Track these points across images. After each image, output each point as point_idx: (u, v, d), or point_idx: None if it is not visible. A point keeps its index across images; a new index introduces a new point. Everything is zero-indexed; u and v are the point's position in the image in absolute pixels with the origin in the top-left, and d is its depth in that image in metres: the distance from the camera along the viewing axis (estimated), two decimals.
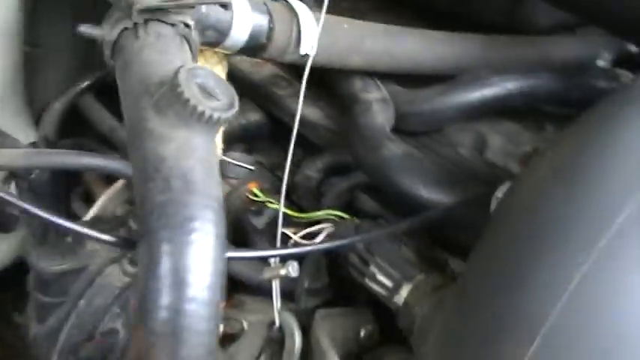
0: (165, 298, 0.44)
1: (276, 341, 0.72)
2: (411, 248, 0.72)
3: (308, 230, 0.77)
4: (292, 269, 0.68)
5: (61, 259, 1.03)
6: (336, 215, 0.82)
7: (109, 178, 1.30)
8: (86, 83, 0.99)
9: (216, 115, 0.48)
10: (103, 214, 1.20)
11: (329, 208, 0.85)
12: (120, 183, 1.22)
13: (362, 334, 0.78)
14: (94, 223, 1.16)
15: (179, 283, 0.44)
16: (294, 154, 1.06)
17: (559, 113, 0.97)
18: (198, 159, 0.47)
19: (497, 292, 0.51)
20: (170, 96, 0.47)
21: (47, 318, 1.06)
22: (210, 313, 0.45)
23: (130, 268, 1.03)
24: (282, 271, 0.68)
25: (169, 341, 0.44)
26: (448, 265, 0.73)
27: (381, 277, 0.69)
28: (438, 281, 0.67)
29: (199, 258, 0.45)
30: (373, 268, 0.70)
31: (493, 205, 0.63)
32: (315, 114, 0.95)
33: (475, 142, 0.92)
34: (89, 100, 1.13)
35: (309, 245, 0.72)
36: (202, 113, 0.47)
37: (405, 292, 0.67)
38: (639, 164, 0.49)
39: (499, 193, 0.62)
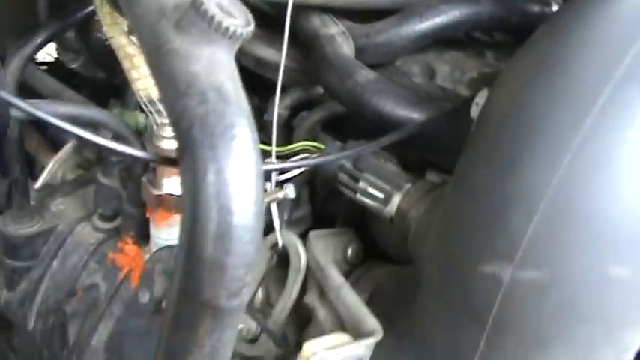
0: (215, 201, 0.47)
1: (279, 263, 0.75)
2: (393, 163, 0.78)
3: (294, 159, 0.80)
4: (290, 191, 0.72)
5: (29, 222, 1.03)
6: (311, 146, 0.87)
7: (54, 146, 1.28)
8: (39, 40, 0.97)
9: (239, 30, 0.50)
10: (52, 180, 1.19)
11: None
12: (68, 148, 1.22)
13: (349, 252, 0.84)
14: (46, 189, 1.15)
15: (227, 185, 0.47)
16: (253, 97, 1.09)
17: (493, 42, 1.04)
18: (226, 73, 0.50)
19: (497, 173, 0.57)
20: (193, 15, 0.50)
21: (19, 283, 1.06)
22: (257, 211, 0.48)
23: (100, 224, 1.04)
24: (280, 194, 0.71)
25: (224, 240, 0.47)
26: (425, 177, 0.79)
27: (372, 191, 0.74)
28: (426, 187, 0.73)
29: (243, 161, 0.48)
30: (363, 184, 0.75)
31: (474, 110, 0.69)
32: (274, 55, 0.98)
33: (425, 71, 0.98)
34: (30, 66, 1.11)
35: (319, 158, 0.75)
36: (227, 29, 0.50)
37: (396, 200, 0.72)
38: (613, 48, 0.56)
39: (478, 99, 0.68)
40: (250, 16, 0.53)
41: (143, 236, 0.98)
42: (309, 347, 0.63)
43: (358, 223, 0.88)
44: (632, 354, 0.63)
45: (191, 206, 0.48)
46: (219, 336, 0.51)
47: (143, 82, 0.78)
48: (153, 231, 0.92)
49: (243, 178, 0.48)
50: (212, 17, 0.49)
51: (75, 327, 0.99)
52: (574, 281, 0.56)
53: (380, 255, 0.89)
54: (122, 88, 1.03)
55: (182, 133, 0.49)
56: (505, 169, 0.57)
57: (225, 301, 0.49)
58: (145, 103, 0.81)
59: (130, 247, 0.99)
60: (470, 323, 0.61)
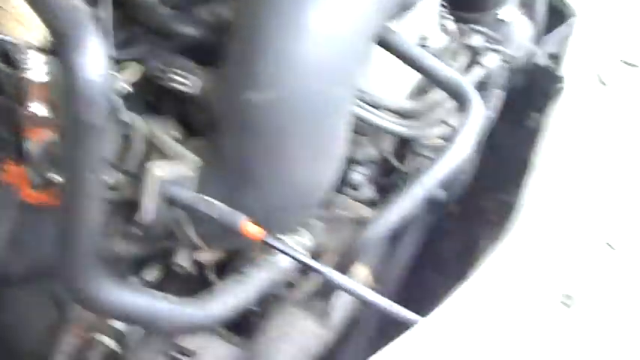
0: (82, 65, 0.86)
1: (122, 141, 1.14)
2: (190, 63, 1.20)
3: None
4: (124, 85, 1.11)
5: None
6: None
7: None
8: None
9: None
10: None
11: None
12: None
13: (173, 132, 1.24)
14: None
15: (89, 57, 0.87)
16: None
17: None
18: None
19: (248, 38, 1.02)
20: None
21: None
22: (105, 72, 0.88)
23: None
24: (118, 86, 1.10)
25: (88, 86, 0.87)
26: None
27: (180, 79, 1.16)
28: (215, 70, 1.16)
29: (96, 42, 0.87)
30: (174, 75, 1.17)
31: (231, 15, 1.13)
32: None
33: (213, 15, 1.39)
34: None
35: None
36: None
37: (197, 81, 1.15)
38: None
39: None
40: None
41: (20, 157, 1.33)
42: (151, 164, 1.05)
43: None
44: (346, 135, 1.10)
45: (66, 71, 0.87)
46: (93, 147, 0.91)
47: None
48: (29, 146, 1.27)
49: (98, 52, 0.88)
50: None
51: None
52: (297, 94, 1.01)
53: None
54: None
55: (56, 34, 0.88)
56: (251, 35, 1.02)
57: (93, 118, 0.89)
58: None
59: (13, 168, 1.33)
60: (241, 135, 1.05)
